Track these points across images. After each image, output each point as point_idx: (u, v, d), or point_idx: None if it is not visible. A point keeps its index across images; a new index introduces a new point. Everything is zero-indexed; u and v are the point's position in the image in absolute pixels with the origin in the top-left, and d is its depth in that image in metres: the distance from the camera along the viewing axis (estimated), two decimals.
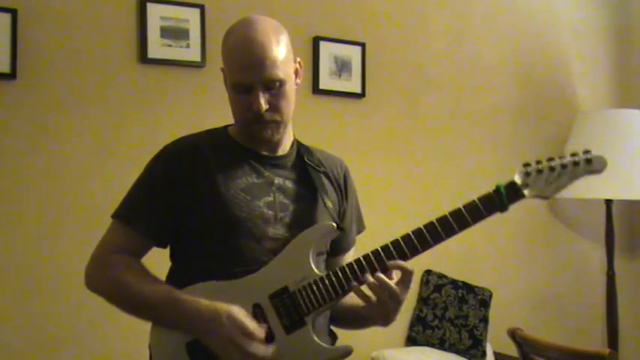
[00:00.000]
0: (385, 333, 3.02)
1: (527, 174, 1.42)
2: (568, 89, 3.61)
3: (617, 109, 3.59)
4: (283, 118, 1.49)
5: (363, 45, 3.06)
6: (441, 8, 3.29)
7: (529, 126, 3.47)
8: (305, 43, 2.93)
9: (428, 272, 3.15)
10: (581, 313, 3.58)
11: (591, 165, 1.42)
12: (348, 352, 1.43)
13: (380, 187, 3.03)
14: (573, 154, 1.43)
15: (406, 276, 1.41)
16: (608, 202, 3.34)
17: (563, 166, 1.42)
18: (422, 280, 3.16)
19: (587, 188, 3.21)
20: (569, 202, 3.55)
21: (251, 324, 1.38)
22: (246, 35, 1.45)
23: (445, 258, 3.15)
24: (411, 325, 3.12)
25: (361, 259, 1.43)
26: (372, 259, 1.42)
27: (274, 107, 1.46)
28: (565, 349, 2.13)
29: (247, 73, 1.43)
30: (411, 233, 1.43)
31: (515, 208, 3.74)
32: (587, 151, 1.43)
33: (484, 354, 3.04)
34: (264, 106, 1.44)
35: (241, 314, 1.38)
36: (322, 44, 2.96)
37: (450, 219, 1.41)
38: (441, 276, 3.15)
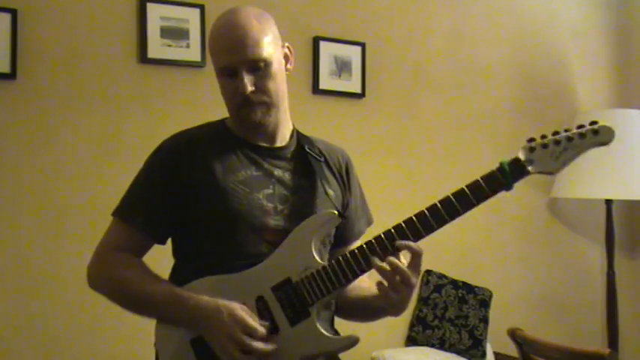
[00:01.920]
0: (385, 333, 3.04)
1: (531, 149, 1.36)
2: (568, 89, 3.61)
3: (617, 109, 3.59)
4: (272, 99, 1.47)
5: (363, 45, 3.06)
6: (441, 8, 3.29)
7: (529, 126, 3.47)
8: (305, 43, 2.93)
9: (428, 272, 3.15)
10: (581, 313, 3.58)
11: (598, 136, 1.33)
12: (354, 341, 1.40)
13: (379, 187, 3.03)
14: (580, 126, 1.35)
15: (415, 258, 1.36)
16: (608, 202, 3.34)
17: (569, 139, 1.34)
18: (422, 280, 3.16)
19: (587, 188, 3.21)
20: (569, 202, 3.55)
21: (252, 321, 1.37)
22: (227, 20, 1.46)
23: (445, 258, 3.15)
24: (411, 325, 3.11)
25: (364, 246, 1.40)
26: (375, 245, 1.39)
27: (261, 88, 1.44)
28: (565, 349, 2.12)
29: (230, 55, 1.43)
30: (414, 217, 1.39)
31: (515, 208, 3.74)
32: (593, 122, 1.35)
33: (484, 354, 3.04)
34: (250, 87, 1.42)
35: (243, 311, 1.37)
36: (322, 44, 2.96)
37: (454, 200, 1.38)
38: (440, 276, 3.15)
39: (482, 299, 3.11)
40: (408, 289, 1.37)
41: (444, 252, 3.11)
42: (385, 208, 3.01)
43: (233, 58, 1.42)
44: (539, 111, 3.52)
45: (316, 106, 2.96)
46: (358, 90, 3.05)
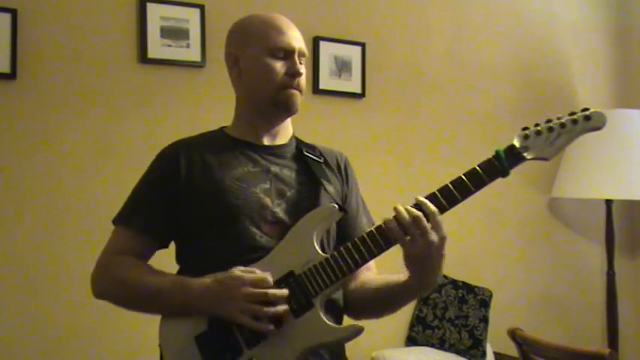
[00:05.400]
0: (385, 333, 3.04)
1: (526, 137, 1.42)
2: (568, 89, 3.61)
3: (617, 109, 3.59)
4: (303, 91, 1.57)
5: (363, 45, 3.06)
6: (441, 8, 3.29)
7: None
8: (305, 43, 2.92)
9: None
10: (581, 313, 3.58)
11: (590, 121, 1.39)
12: (358, 330, 1.40)
13: (379, 186, 3.03)
14: (572, 113, 1.41)
15: (431, 218, 1.35)
16: (608, 202, 3.34)
17: (562, 125, 1.40)
18: None
19: (587, 188, 3.21)
20: (569, 202, 3.55)
21: (258, 272, 1.38)
22: (274, 14, 1.58)
23: (445, 258, 3.14)
24: (411, 325, 3.12)
25: (364, 235, 1.41)
26: (376, 234, 1.40)
27: (303, 77, 1.55)
28: (565, 349, 2.13)
29: (292, 39, 1.54)
30: (413, 207, 1.39)
31: (515, 208, 3.72)
32: (585, 109, 1.41)
33: (484, 354, 3.04)
34: (302, 71, 1.54)
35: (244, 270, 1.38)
36: (322, 44, 2.96)
37: (452, 188, 1.40)
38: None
39: (482, 299, 3.11)
40: (427, 245, 1.35)
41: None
42: (385, 208, 3.02)
43: (295, 42, 1.54)
44: (539, 111, 3.51)
45: (316, 106, 2.96)
46: (358, 90, 3.05)
